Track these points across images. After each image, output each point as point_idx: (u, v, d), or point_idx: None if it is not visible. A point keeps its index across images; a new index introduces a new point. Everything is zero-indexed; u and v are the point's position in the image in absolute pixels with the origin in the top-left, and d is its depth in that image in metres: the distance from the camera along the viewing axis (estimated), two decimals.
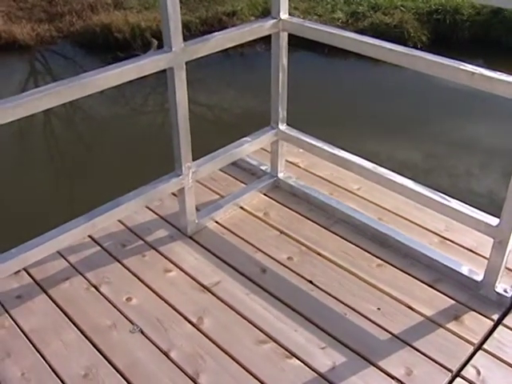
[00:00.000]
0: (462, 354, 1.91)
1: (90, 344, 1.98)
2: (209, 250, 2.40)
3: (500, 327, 2.01)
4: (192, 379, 1.84)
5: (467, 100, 5.82)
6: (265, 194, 2.76)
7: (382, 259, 2.34)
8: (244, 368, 1.88)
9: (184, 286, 2.23)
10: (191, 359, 1.91)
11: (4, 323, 2.06)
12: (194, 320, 2.07)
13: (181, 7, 1.97)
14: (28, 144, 5.93)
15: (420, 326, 2.03)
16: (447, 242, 2.43)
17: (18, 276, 2.26)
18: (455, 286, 2.19)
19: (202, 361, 1.91)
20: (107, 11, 8.76)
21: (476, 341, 1.96)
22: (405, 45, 2.06)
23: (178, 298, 2.17)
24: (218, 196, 2.74)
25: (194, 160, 2.33)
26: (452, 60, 1.93)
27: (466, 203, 2.14)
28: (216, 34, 2.18)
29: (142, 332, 2.02)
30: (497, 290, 2.10)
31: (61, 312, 2.11)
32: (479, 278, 2.15)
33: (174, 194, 2.54)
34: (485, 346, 1.94)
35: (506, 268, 2.14)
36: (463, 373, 1.85)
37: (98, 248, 2.43)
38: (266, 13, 8.19)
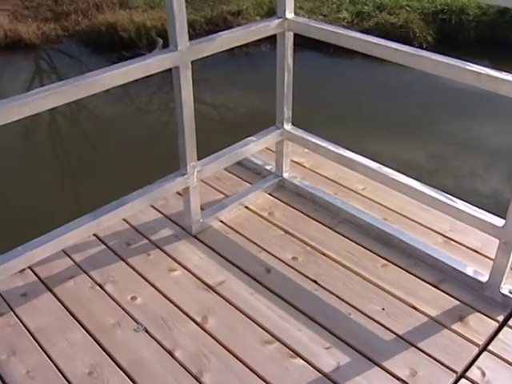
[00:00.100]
0: (466, 355, 1.90)
1: (94, 342, 1.98)
2: (213, 250, 2.40)
3: (505, 328, 2.01)
4: (196, 378, 1.85)
5: (473, 100, 5.80)
6: (270, 194, 2.76)
7: (386, 259, 2.33)
8: (248, 367, 1.88)
9: (188, 285, 2.23)
10: (195, 358, 1.92)
11: (9, 321, 2.07)
12: (199, 319, 2.07)
13: (186, 6, 1.97)
14: (33, 143, 5.95)
15: (424, 327, 2.02)
16: (452, 242, 2.42)
17: (23, 274, 2.27)
18: (460, 286, 2.18)
19: (207, 360, 1.91)
20: (113, 10, 8.78)
21: (481, 342, 1.95)
22: (410, 45, 2.05)
23: (183, 297, 2.17)
24: (222, 195, 2.74)
25: (198, 159, 2.33)
26: (458, 60, 1.92)
27: (472, 204, 2.14)
28: (222, 33, 2.18)
29: (147, 331, 2.03)
30: (502, 291, 2.09)
31: (65, 310, 2.12)
32: (484, 278, 2.14)
33: (178, 194, 2.54)
34: (490, 347, 1.93)
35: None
36: (468, 374, 1.84)
37: (103, 247, 2.44)
38: (271, 12, 8.19)
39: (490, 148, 5.40)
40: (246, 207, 2.67)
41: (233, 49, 2.25)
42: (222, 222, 2.57)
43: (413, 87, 6.52)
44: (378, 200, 2.68)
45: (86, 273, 2.29)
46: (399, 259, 2.33)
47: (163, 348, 1.96)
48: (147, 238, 2.48)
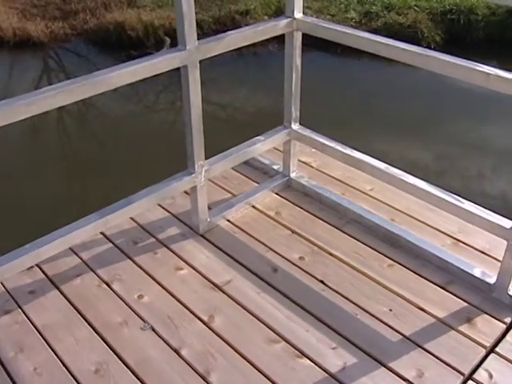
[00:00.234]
0: (474, 357, 1.90)
1: (101, 340, 1.99)
2: (220, 249, 2.41)
3: None
4: (203, 377, 1.85)
5: (482, 101, 5.78)
6: (277, 194, 2.76)
7: (393, 260, 2.33)
8: (255, 367, 1.88)
9: (195, 284, 2.23)
10: (202, 357, 1.92)
11: (17, 318, 2.08)
12: (205, 318, 2.07)
13: (194, 6, 1.97)
14: (41, 141, 5.97)
15: (432, 328, 2.01)
16: (460, 243, 2.41)
17: (31, 272, 2.28)
18: (467, 288, 2.18)
19: (213, 359, 1.91)
20: (121, 9, 8.79)
21: (488, 344, 1.94)
22: (418, 45, 2.05)
23: (189, 296, 2.17)
24: (230, 195, 2.74)
25: (206, 158, 2.33)
26: (467, 61, 1.91)
27: (480, 205, 2.13)
28: (230, 32, 2.18)
29: (153, 329, 2.03)
30: (510, 293, 2.08)
31: (73, 308, 2.12)
32: (492, 280, 2.13)
33: (186, 193, 2.55)
34: (497, 350, 1.92)
35: None
36: (475, 376, 1.84)
37: (110, 245, 2.44)
38: (279, 12, 8.18)
39: (498, 149, 5.37)
40: (253, 207, 2.67)
41: (240, 48, 2.25)
42: (229, 221, 2.57)
43: (421, 87, 6.49)
44: (385, 200, 2.67)
45: (93, 271, 2.30)
46: (406, 260, 2.32)
47: (170, 347, 1.96)
48: (154, 237, 2.49)
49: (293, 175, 2.79)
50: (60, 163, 5.52)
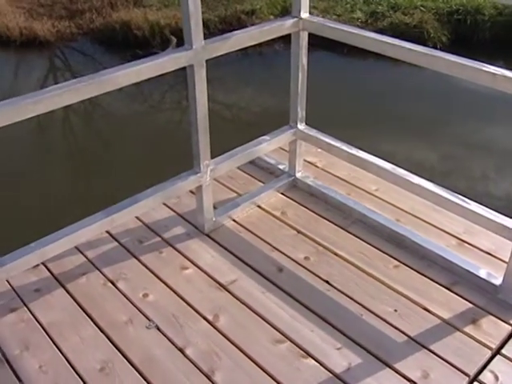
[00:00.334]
0: (479, 359, 1.89)
1: (106, 339, 2.00)
2: (225, 248, 2.41)
3: None
4: (207, 376, 1.85)
5: (488, 101, 5.76)
6: (282, 194, 2.76)
7: (398, 260, 2.32)
8: (259, 366, 1.88)
9: (200, 283, 2.24)
10: (207, 356, 1.92)
11: (23, 316, 2.09)
12: (210, 317, 2.07)
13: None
14: (46, 139, 5.99)
15: (437, 329, 2.01)
16: (465, 244, 2.40)
17: (37, 270, 2.29)
18: (473, 289, 2.17)
19: (218, 358, 1.91)
20: (127, 8, 8.81)
21: (494, 345, 1.93)
22: (424, 45, 2.04)
23: (194, 295, 2.18)
24: (235, 194, 2.74)
25: (212, 158, 2.34)
26: (473, 61, 1.90)
27: (485, 206, 2.12)
28: (236, 32, 2.18)
29: (158, 328, 2.03)
30: None
31: (78, 306, 2.13)
32: (498, 281, 2.13)
33: (191, 192, 2.55)
34: (503, 351, 1.92)
35: None
36: (481, 377, 1.83)
37: (116, 244, 2.45)
38: (284, 12, 8.18)
39: (504, 150, 5.35)
40: (259, 206, 2.67)
41: (246, 48, 2.25)
42: (234, 220, 2.57)
43: (426, 88, 6.48)
44: (390, 201, 2.67)
45: (98, 269, 2.31)
46: (412, 260, 2.31)
47: (175, 346, 1.96)
48: (160, 236, 2.49)
49: (298, 175, 2.79)
50: (65, 162, 5.54)
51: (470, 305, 2.11)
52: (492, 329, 2.00)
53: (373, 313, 2.08)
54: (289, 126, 2.63)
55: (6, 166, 5.16)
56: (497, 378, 1.83)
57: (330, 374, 1.85)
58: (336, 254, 2.37)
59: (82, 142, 6.08)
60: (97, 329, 2.04)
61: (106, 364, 1.90)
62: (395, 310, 2.09)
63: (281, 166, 2.87)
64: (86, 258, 2.37)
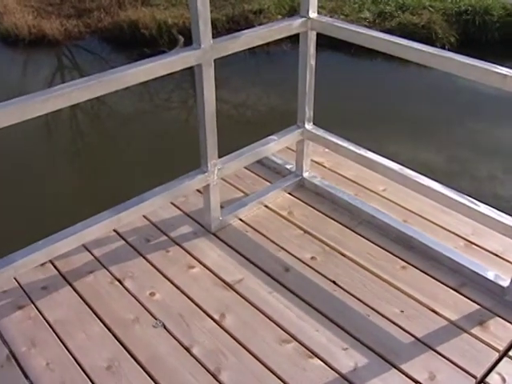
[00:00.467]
0: (486, 361, 1.88)
1: (112, 337, 2.00)
2: (232, 248, 2.41)
3: None
4: (213, 375, 1.85)
5: (497, 102, 5.73)
6: (289, 193, 2.75)
7: (406, 261, 2.32)
8: (265, 366, 1.88)
9: (207, 282, 2.24)
10: (213, 355, 1.92)
11: (30, 314, 2.09)
12: (216, 317, 2.07)
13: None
14: (53, 138, 6.01)
15: (444, 331, 2.00)
16: (473, 246, 2.39)
17: (44, 268, 2.29)
18: (480, 290, 2.16)
19: (224, 357, 1.91)
20: (135, 7, 8.83)
21: (501, 347, 1.93)
22: (432, 45, 2.03)
23: (201, 294, 2.18)
24: (242, 194, 2.74)
25: (219, 157, 2.34)
26: (483, 62, 1.89)
27: (493, 207, 2.11)
28: (245, 31, 2.18)
29: (165, 327, 2.04)
30: None
31: (85, 304, 2.13)
32: (505, 283, 2.12)
33: (198, 191, 2.55)
34: (510, 353, 1.91)
35: None
36: (488, 379, 1.82)
37: (123, 242, 2.45)
38: (292, 11, 8.18)
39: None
40: (266, 206, 2.67)
41: (254, 48, 2.25)
42: (241, 220, 2.57)
43: (434, 88, 6.45)
44: (398, 201, 2.66)
45: (105, 268, 2.31)
46: (419, 262, 2.31)
47: (181, 344, 1.97)
48: (166, 235, 2.49)
49: (305, 175, 2.79)
50: (72, 160, 5.56)
51: (478, 306, 2.10)
52: (499, 331, 1.99)
53: (380, 313, 2.07)
54: (296, 125, 2.63)
55: (14, 165, 5.18)
56: (504, 380, 1.82)
57: (337, 375, 1.85)
58: (343, 255, 2.36)
59: (89, 139, 6.09)
60: (103, 327, 2.04)
61: (113, 362, 1.90)
62: (402, 311, 2.08)
63: (288, 166, 2.87)
64: (94, 256, 2.37)
